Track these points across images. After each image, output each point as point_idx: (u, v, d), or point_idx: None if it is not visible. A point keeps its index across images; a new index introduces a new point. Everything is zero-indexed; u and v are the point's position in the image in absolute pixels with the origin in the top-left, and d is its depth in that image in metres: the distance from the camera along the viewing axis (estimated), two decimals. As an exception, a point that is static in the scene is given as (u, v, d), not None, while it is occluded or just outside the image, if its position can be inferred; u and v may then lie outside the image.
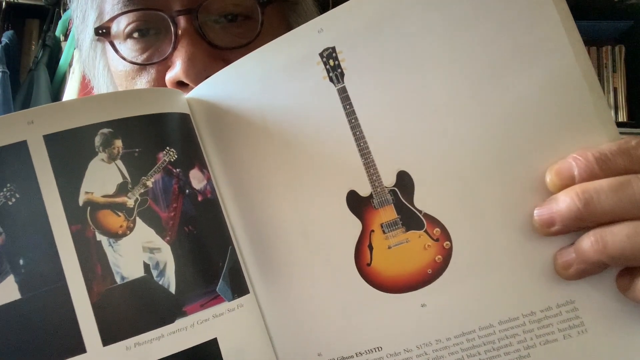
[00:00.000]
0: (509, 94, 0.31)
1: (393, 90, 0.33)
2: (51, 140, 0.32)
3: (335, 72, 0.34)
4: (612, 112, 1.88)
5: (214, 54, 0.47)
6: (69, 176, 0.32)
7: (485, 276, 0.32)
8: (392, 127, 0.33)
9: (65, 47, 1.78)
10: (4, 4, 1.81)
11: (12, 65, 1.76)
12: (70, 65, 1.76)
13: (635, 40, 1.91)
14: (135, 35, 0.50)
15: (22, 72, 1.86)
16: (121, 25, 0.50)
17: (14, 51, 1.80)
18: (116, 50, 0.50)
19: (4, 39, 1.76)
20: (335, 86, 0.34)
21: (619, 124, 1.82)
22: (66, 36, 1.80)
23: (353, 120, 0.33)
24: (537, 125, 0.31)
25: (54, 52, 1.84)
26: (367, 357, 0.34)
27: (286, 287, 0.35)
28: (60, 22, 1.82)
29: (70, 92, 1.67)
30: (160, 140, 0.34)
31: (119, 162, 0.32)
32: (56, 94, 1.78)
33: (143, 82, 0.50)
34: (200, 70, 0.45)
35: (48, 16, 1.84)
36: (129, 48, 0.50)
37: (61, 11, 1.83)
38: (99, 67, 0.56)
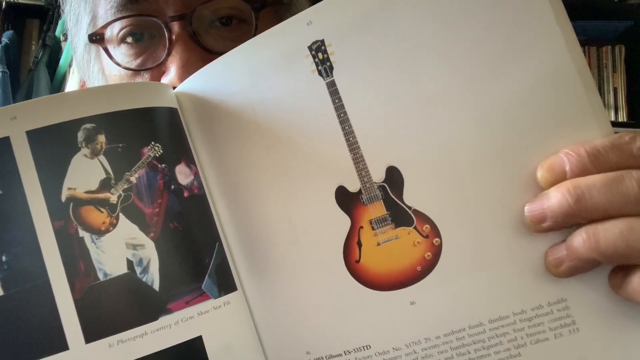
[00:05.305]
0: (502, 90, 0.30)
1: (383, 84, 0.32)
2: (34, 136, 0.31)
3: (324, 66, 0.33)
4: (612, 112, 1.87)
5: (209, 59, 0.46)
6: (52, 172, 0.31)
7: (475, 273, 0.31)
8: (381, 121, 0.32)
9: (65, 47, 1.78)
10: (4, 4, 1.81)
11: (12, 65, 1.76)
12: (70, 65, 1.76)
13: (635, 40, 1.90)
14: (129, 39, 0.49)
15: (22, 72, 1.86)
16: (115, 30, 0.49)
17: (14, 51, 1.80)
18: (110, 57, 0.50)
19: (4, 39, 1.76)
20: (324, 80, 0.33)
21: (619, 124, 1.81)
22: (66, 36, 1.80)
23: (342, 115, 0.33)
24: (530, 121, 0.30)
25: (54, 52, 1.84)
26: (356, 356, 0.33)
27: (275, 283, 0.35)
28: (60, 22, 1.82)
29: (70, 91, 1.67)
30: (145, 135, 0.33)
31: (102, 158, 0.32)
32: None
33: None
34: None
35: (48, 16, 1.84)
36: (123, 53, 0.50)
37: (61, 11, 1.82)
38: (94, 70, 0.56)
